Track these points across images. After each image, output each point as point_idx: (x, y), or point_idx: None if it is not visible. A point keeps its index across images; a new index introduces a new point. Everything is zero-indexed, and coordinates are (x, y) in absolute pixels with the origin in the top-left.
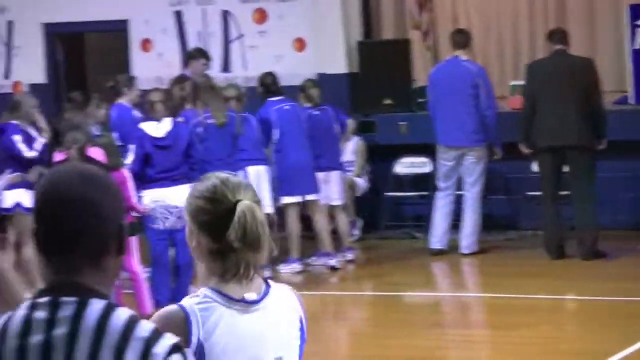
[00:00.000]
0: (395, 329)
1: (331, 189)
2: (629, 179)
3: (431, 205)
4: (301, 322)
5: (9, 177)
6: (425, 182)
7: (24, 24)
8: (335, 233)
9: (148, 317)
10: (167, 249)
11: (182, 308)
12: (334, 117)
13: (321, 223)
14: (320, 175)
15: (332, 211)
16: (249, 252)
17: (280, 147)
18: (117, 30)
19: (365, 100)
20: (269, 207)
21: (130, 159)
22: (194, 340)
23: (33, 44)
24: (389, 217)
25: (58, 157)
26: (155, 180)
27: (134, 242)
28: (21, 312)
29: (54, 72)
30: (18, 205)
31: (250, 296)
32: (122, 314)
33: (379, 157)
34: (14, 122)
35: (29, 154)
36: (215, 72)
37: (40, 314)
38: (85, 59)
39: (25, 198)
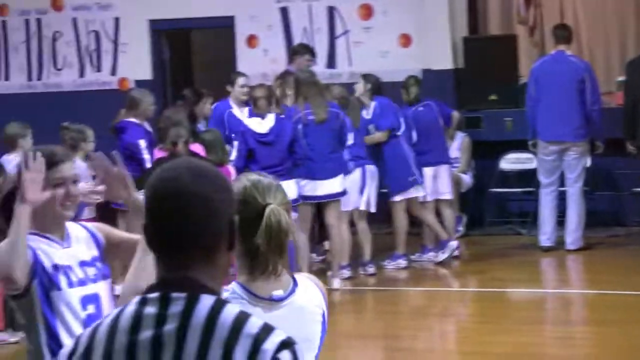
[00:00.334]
0: (499, 325)
1: (439, 184)
2: None
3: (536, 201)
4: (323, 317)
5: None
6: (530, 178)
7: (130, 20)
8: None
9: None
10: None
11: None
12: (437, 111)
13: (427, 218)
14: (428, 171)
15: (438, 206)
16: (276, 253)
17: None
18: (223, 27)
19: (470, 96)
20: (372, 206)
21: (233, 155)
22: None
23: (139, 40)
24: (494, 213)
25: (158, 153)
26: None
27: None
28: (131, 307)
29: (159, 69)
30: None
31: (277, 293)
32: (232, 310)
33: (484, 153)
34: (134, 120)
35: (148, 164)
36: (320, 67)
37: (150, 310)
38: (191, 56)
39: None
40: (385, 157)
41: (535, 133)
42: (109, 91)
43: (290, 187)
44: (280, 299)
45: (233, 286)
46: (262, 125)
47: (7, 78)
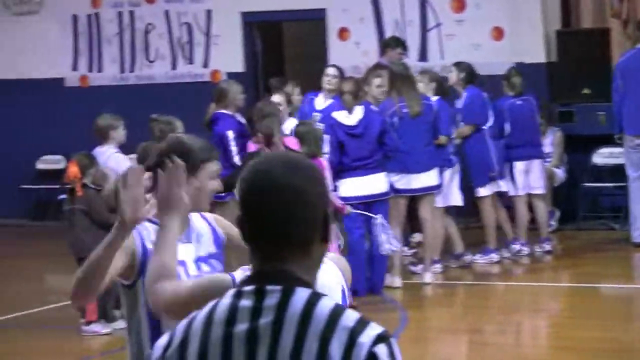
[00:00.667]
0: (590, 320)
1: (531, 178)
2: None
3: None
4: (343, 292)
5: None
6: (623, 173)
7: (223, 13)
8: (533, 222)
9: (350, 307)
10: (363, 238)
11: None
12: (535, 106)
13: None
14: (520, 165)
15: (531, 200)
16: None
17: (478, 137)
18: (315, 19)
19: (563, 90)
20: (457, 200)
21: (326, 148)
22: None
23: (231, 32)
24: (586, 207)
25: (252, 147)
26: (350, 168)
27: (332, 230)
28: (227, 300)
29: (251, 61)
30: (231, 194)
31: None
32: (327, 303)
33: (577, 147)
34: (225, 111)
35: (235, 158)
36: (412, 60)
37: (246, 302)
38: (283, 48)
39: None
40: (468, 151)
41: (621, 127)
42: (201, 83)
43: (381, 180)
44: None
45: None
46: (350, 117)
47: (100, 70)
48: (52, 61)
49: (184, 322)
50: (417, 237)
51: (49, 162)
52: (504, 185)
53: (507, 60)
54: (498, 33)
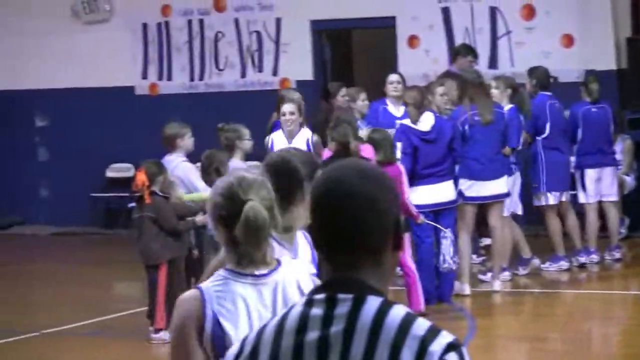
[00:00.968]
0: None
1: (604, 185)
2: None
3: None
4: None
5: None
6: None
7: (292, 20)
8: (603, 230)
9: (420, 314)
10: (432, 246)
11: (199, 288)
12: (610, 114)
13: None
14: (592, 172)
15: (602, 207)
16: (253, 244)
17: (550, 144)
18: (385, 27)
19: (633, 97)
20: (518, 208)
21: (398, 154)
22: (208, 312)
23: (301, 41)
24: None
25: (326, 154)
26: (421, 176)
27: (405, 238)
28: (297, 308)
29: (320, 69)
30: None
31: (260, 271)
32: (399, 311)
33: None
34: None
35: None
36: (482, 68)
37: (317, 311)
38: (352, 56)
39: None
40: (527, 160)
41: None
42: (271, 92)
43: (450, 188)
44: (263, 275)
45: (219, 272)
46: (423, 123)
47: (169, 78)
48: (122, 69)
49: (255, 331)
50: (484, 242)
51: (118, 170)
52: (564, 195)
53: (577, 67)
54: (568, 40)
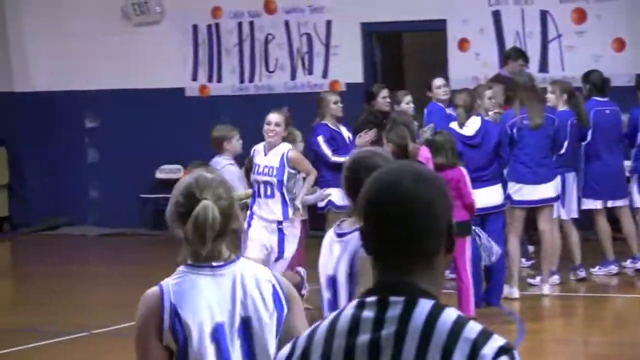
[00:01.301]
0: None
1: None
2: None
3: None
4: (275, 290)
5: (321, 192)
6: None
7: (342, 23)
8: None
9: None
10: (478, 250)
11: (159, 284)
12: None
13: (628, 227)
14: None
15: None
16: (200, 242)
17: (591, 150)
18: (435, 30)
19: None
20: (573, 212)
21: None
22: (166, 304)
23: (351, 43)
24: None
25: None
26: None
27: (466, 243)
28: (349, 310)
29: (371, 72)
30: (330, 203)
31: (216, 263)
32: (450, 314)
33: None
34: (322, 122)
35: (333, 158)
36: (532, 72)
37: (368, 313)
38: (402, 58)
39: (336, 196)
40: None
41: None
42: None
43: (496, 193)
44: (219, 266)
45: (180, 267)
46: (468, 128)
47: (219, 80)
48: (173, 71)
49: (306, 332)
50: (531, 249)
51: (167, 171)
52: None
53: (628, 71)
54: (619, 44)
